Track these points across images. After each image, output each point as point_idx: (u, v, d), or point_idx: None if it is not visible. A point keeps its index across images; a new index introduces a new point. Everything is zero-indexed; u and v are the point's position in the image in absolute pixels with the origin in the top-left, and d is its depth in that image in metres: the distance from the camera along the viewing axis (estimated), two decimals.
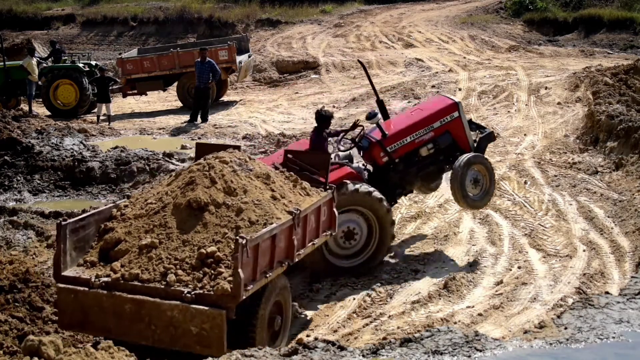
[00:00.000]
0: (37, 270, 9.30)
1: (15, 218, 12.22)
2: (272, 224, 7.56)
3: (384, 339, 7.98)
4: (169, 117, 21.64)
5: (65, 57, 23.56)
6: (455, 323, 8.42)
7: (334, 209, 8.98)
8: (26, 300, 8.22)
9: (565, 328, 7.37)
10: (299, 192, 8.62)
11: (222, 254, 7.26)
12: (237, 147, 9.09)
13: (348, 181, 9.90)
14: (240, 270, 6.84)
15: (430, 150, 10.89)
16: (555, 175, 13.72)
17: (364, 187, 9.95)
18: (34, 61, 22.06)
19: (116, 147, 16.15)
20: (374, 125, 10.81)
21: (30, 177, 14.63)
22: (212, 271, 7.17)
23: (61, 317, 7.70)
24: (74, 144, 15.95)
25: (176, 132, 19.66)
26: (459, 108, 11.01)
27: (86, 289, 7.35)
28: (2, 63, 22.20)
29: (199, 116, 20.49)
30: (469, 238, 11.17)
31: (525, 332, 7.79)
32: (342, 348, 7.14)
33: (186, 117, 20.90)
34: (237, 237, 6.94)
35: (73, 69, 22.36)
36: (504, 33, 29.69)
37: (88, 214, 8.14)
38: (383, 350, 7.00)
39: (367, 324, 8.76)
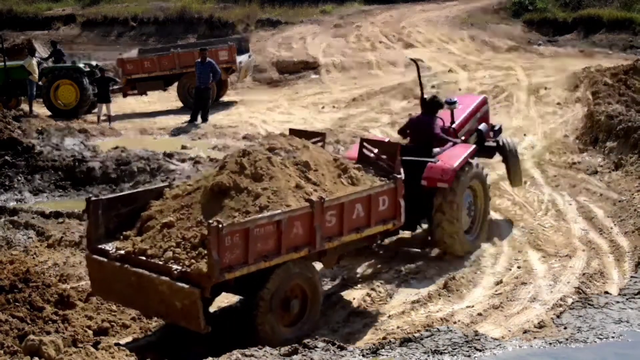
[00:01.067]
0: (37, 270, 9.32)
1: (15, 218, 12.23)
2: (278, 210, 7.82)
3: (384, 339, 7.98)
4: (169, 117, 21.64)
5: (65, 58, 23.55)
6: (455, 323, 8.42)
7: (400, 199, 9.01)
8: (26, 300, 8.23)
9: (565, 328, 7.40)
10: (343, 182, 8.84)
11: None
12: (323, 135, 9.97)
13: (471, 160, 10.62)
14: (214, 253, 7.15)
15: (476, 138, 11.93)
16: (555, 175, 13.73)
17: (478, 163, 10.79)
18: (35, 61, 22.08)
19: (116, 147, 16.16)
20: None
21: (31, 177, 14.64)
22: (206, 251, 7.44)
23: (92, 284, 8.46)
24: (74, 144, 15.96)
25: (176, 132, 19.66)
26: (487, 102, 12.79)
27: (105, 260, 7.99)
28: (2, 63, 22.22)
29: (199, 116, 20.49)
30: None
31: (525, 332, 7.80)
32: (342, 348, 7.16)
33: (186, 117, 20.90)
34: (212, 222, 7.24)
35: (74, 69, 22.35)
36: (504, 33, 29.66)
37: (139, 190, 8.83)
38: (383, 350, 7.02)
39: (367, 324, 8.77)
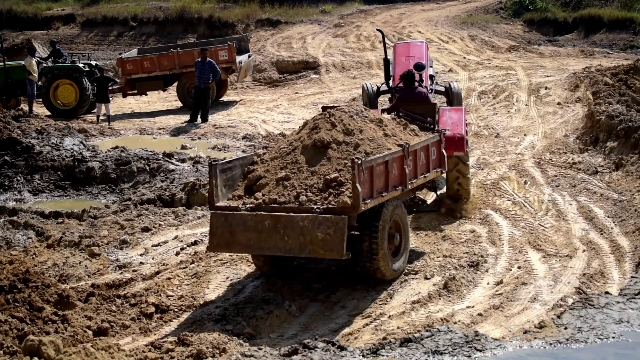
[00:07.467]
0: (37, 270, 9.30)
1: (15, 218, 12.21)
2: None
3: (384, 339, 7.96)
4: (169, 117, 21.64)
5: (65, 57, 23.54)
6: (455, 323, 8.40)
7: (443, 150, 10.71)
8: (26, 300, 8.21)
9: (565, 328, 7.38)
10: (409, 133, 10.37)
11: (344, 178, 8.85)
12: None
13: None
14: (357, 184, 8.32)
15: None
16: (555, 175, 13.72)
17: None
18: (34, 61, 22.08)
19: (116, 147, 16.15)
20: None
21: (30, 177, 14.62)
22: (336, 191, 8.78)
23: (211, 239, 9.21)
24: (74, 144, 15.94)
25: (176, 132, 19.66)
26: (427, 45, 14.84)
27: (234, 212, 8.97)
28: (2, 63, 22.22)
29: (199, 116, 20.50)
30: (469, 238, 11.16)
31: (525, 332, 7.78)
32: (342, 348, 7.16)
33: (186, 117, 20.91)
34: (354, 158, 8.42)
35: (73, 69, 22.36)
36: (504, 33, 29.69)
37: (234, 158, 9.98)
38: (383, 350, 7.01)
39: (367, 324, 8.75)
